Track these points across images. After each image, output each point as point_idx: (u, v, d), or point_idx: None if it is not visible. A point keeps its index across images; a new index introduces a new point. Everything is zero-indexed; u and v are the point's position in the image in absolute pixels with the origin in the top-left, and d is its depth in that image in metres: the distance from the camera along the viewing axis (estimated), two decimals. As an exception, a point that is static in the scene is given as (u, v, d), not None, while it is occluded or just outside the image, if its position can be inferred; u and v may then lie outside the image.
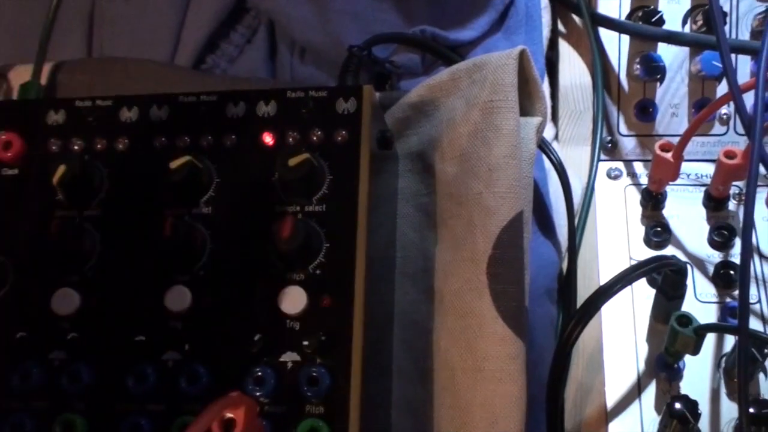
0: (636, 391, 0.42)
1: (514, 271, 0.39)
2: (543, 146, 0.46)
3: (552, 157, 0.46)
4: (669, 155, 0.44)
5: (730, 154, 0.44)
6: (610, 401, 0.42)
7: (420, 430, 0.40)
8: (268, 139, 0.40)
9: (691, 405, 0.39)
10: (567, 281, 0.46)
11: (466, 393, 0.39)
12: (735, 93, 0.40)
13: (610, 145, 0.50)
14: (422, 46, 0.50)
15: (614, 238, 0.47)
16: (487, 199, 0.40)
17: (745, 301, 0.37)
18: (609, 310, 0.44)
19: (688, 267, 0.42)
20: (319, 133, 0.39)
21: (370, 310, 0.38)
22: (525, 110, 0.44)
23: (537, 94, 0.44)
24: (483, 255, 0.40)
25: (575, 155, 0.50)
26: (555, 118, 0.51)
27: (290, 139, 0.40)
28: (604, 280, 0.44)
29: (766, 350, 0.40)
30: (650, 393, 0.42)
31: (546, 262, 0.45)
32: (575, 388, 0.43)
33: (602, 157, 0.50)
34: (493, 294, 0.39)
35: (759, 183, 0.45)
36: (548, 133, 0.49)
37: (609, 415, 0.42)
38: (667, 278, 0.41)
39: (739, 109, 0.40)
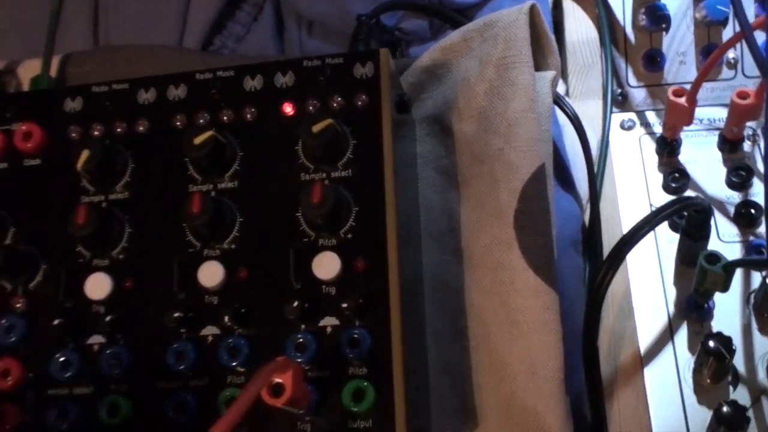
0: (668, 334, 0.43)
1: (540, 223, 0.40)
2: (558, 100, 0.46)
3: (567, 110, 0.47)
4: (683, 100, 0.45)
5: (743, 95, 0.44)
6: (643, 346, 0.42)
7: (458, 388, 0.40)
8: (288, 109, 0.40)
9: (726, 341, 0.39)
10: (591, 231, 0.46)
11: (503, 347, 0.39)
12: (746, 31, 0.40)
13: (620, 97, 0.50)
14: (429, 12, 0.50)
15: (633, 188, 0.47)
16: (509, 154, 0.40)
17: (772, 235, 0.38)
18: (634, 257, 0.44)
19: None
20: (339, 99, 0.39)
21: (401, 272, 0.38)
22: (538, 65, 0.44)
23: (549, 48, 0.44)
24: (508, 210, 0.40)
25: (587, 110, 0.50)
26: (564, 75, 0.51)
27: (311, 108, 0.40)
28: (626, 230, 0.44)
29: (794, 283, 0.40)
30: (683, 334, 0.42)
31: (568, 215, 0.46)
32: (608, 337, 0.43)
33: (614, 109, 0.50)
34: (522, 247, 0.39)
35: (774, 120, 0.45)
36: (558, 90, 0.49)
37: (644, 359, 0.42)
38: (691, 219, 0.41)
39: (752, 46, 0.40)
